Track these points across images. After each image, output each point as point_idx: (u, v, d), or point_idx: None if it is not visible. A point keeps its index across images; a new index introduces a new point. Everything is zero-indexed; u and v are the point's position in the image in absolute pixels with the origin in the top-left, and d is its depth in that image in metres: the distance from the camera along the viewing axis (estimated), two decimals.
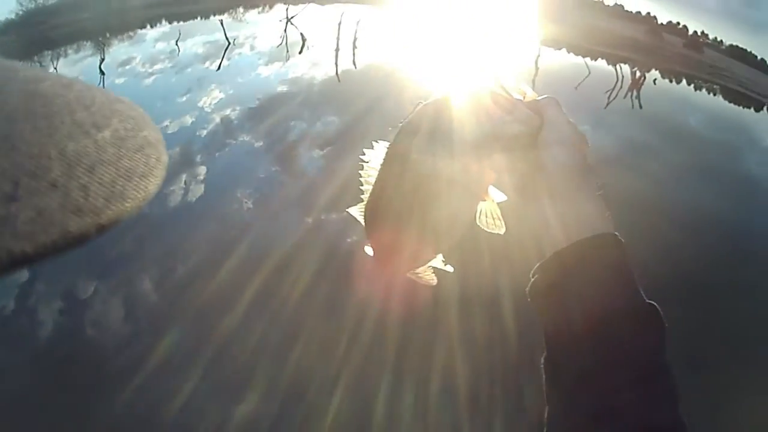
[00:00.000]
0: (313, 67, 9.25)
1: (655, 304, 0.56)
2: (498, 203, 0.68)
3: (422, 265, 0.73)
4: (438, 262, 0.73)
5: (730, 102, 23.52)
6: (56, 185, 0.28)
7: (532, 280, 0.62)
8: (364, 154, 0.70)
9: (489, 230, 0.70)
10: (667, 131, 10.29)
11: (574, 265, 0.57)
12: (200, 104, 8.15)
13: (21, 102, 0.29)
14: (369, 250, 0.73)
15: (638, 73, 15.19)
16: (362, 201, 0.71)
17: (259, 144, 6.89)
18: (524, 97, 0.66)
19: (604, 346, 0.53)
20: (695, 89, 22.44)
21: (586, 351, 0.54)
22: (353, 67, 9.34)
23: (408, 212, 0.67)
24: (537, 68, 11.95)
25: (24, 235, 0.27)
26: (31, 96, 0.30)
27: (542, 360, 0.59)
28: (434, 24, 17.43)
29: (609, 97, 12.13)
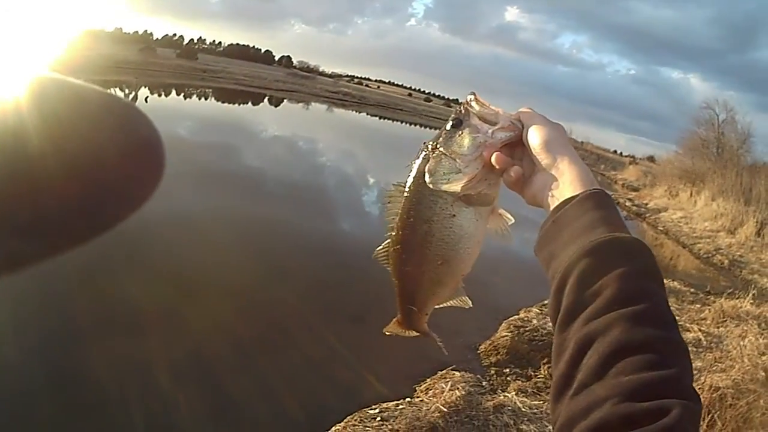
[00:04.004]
0: None
1: (639, 238, 0.65)
2: (503, 215, 0.84)
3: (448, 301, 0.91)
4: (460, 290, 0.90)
5: (223, 102, 25.38)
6: (56, 186, 0.28)
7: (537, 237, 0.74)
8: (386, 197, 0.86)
9: (501, 242, 0.85)
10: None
11: (562, 217, 0.70)
12: None
13: (20, 102, 0.29)
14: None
15: (130, 95, 15.18)
16: (387, 243, 0.87)
17: None
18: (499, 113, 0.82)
19: (588, 272, 0.62)
20: (185, 97, 23.16)
21: (573, 285, 0.63)
22: None
23: (432, 255, 0.84)
24: None
25: (23, 235, 0.27)
26: (30, 97, 0.29)
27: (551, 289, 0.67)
28: None
29: None
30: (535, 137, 0.77)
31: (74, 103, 0.32)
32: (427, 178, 0.81)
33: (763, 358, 4.34)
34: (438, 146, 0.82)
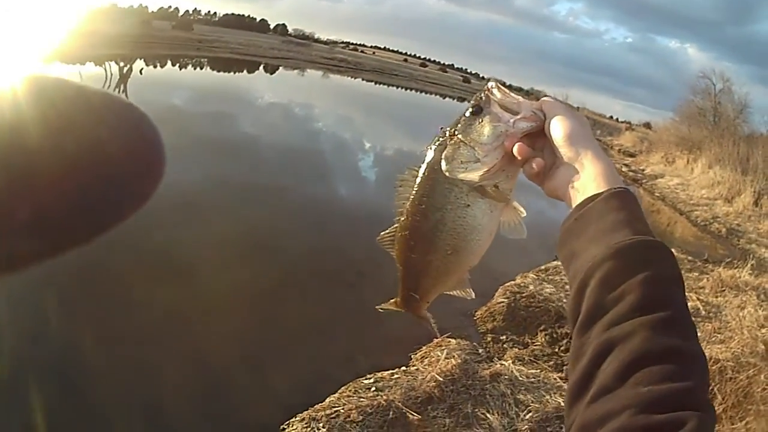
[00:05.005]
0: None
1: (662, 241, 0.64)
2: (517, 209, 0.81)
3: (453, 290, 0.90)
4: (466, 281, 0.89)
5: (219, 71, 25.16)
6: (56, 186, 0.28)
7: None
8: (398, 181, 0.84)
9: (512, 236, 0.82)
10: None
11: (585, 215, 0.69)
12: None
13: (20, 104, 0.28)
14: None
15: (125, 68, 15.21)
16: (394, 227, 0.86)
17: None
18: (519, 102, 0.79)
19: (611, 276, 0.61)
20: (180, 68, 23.15)
21: (593, 287, 0.62)
22: None
23: (442, 244, 0.82)
24: None
25: (24, 235, 0.27)
26: (30, 98, 0.29)
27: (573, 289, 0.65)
28: None
29: None
30: (557, 129, 0.75)
31: (75, 103, 0.32)
32: (443, 166, 0.79)
33: (763, 330, 4.30)
34: (456, 133, 0.80)
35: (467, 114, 0.81)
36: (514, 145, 0.76)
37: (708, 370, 0.59)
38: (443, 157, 0.80)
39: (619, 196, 0.68)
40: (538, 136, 0.78)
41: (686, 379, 0.53)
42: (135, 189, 0.34)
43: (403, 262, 0.87)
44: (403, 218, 0.84)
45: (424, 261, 0.85)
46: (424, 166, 0.82)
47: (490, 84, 0.82)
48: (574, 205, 0.72)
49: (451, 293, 0.90)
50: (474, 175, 0.78)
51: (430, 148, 0.82)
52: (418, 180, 0.82)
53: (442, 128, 0.82)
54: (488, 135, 0.78)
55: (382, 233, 0.87)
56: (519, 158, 0.76)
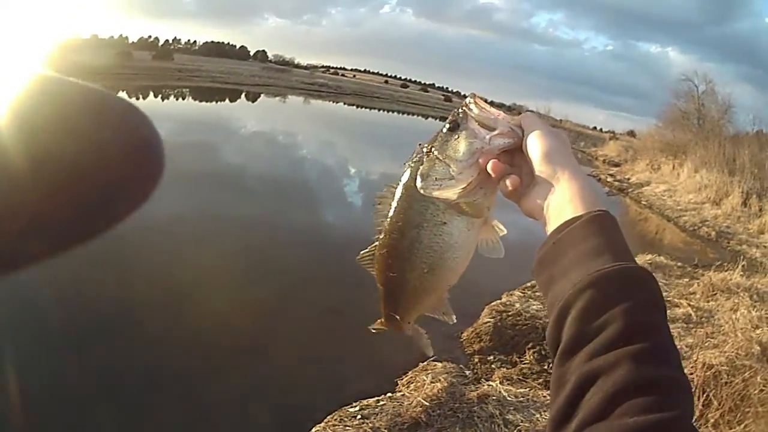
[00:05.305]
0: None
1: (644, 267, 0.63)
2: (496, 226, 0.81)
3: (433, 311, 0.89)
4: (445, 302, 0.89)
5: (200, 101, 25.37)
6: (56, 185, 0.28)
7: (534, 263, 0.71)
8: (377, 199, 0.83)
9: (489, 255, 0.81)
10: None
11: (564, 239, 0.66)
12: None
13: (19, 102, 0.28)
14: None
15: None
16: (373, 246, 0.85)
17: None
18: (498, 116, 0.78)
19: (593, 305, 0.59)
20: (162, 99, 23.17)
21: (572, 317, 0.60)
22: None
23: (418, 262, 0.81)
24: None
25: (23, 235, 0.27)
26: (30, 96, 0.29)
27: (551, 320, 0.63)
28: None
29: None
30: (534, 146, 0.74)
31: (75, 102, 0.32)
32: (418, 183, 0.79)
33: (757, 331, 4.23)
34: (432, 150, 0.79)
35: (444, 130, 0.79)
36: (489, 162, 0.74)
37: (692, 399, 0.58)
38: (419, 174, 0.79)
39: (598, 220, 0.66)
40: (516, 153, 0.77)
41: (671, 410, 0.52)
42: (136, 187, 0.34)
43: (383, 282, 0.86)
44: (381, 236, 0.83)
45: (402, 279, 0.83)
46: (401, 182, 0.81)
47: (467, 99, 0.80)
48: (550, 228, 0.70)
49: (434, 317, 0.89)
50: (449, 193, 0.77)
51: (408, 166, 0.81)
52: (396, 197, 0.81)
53: (420, 144, 0.81)
54: (463, 152, 0.76)
55: (361, 252, 0.86)
56: (494, 176, 0.74)
